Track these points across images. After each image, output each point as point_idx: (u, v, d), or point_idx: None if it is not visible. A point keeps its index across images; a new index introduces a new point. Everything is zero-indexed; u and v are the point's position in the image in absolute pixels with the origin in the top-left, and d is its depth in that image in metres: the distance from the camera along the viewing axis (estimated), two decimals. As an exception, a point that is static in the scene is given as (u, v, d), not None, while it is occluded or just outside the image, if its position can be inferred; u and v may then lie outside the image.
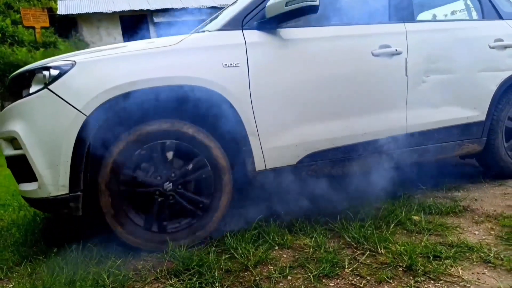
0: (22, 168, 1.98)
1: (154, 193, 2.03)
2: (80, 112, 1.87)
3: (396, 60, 2.52)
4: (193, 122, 2.10)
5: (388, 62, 2.50)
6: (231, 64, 2.14)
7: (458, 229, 2.10)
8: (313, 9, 2.15)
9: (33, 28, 11.46)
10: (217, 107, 2.09)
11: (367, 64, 2.45)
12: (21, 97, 2.00)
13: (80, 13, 13.06)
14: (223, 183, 2.15)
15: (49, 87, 1.89)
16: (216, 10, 13.19)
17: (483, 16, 3.04)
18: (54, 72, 1.92)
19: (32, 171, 1.91)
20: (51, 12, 12.84)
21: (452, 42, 2.74)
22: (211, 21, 2.80)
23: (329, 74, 2.36)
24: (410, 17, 2.67)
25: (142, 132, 2.00)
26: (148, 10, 13.59)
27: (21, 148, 1.93)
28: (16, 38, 11.21)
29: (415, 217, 2.25)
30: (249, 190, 2.28)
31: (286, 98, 2.25)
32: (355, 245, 1.95)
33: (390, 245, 1.90)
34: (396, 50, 2.51)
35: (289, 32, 2.31)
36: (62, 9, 13.05)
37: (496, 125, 2.89)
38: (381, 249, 1.86)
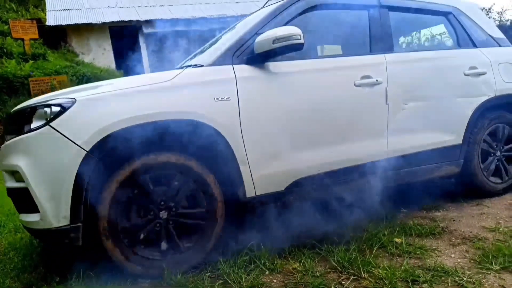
0: (24, 200, 2.08)
1: (150, 221, 2.14)
2: (81, 147, 1.98)
3: (377, 90, 2.68)
4: (188, 154, 2.22)
5: (370, 91, 2.66)
6: (222, 98, 2.27)
7: (436, 251, 2.24)
8: (298, 47, 2.31)
9: (22, 39, 11.43)
10: (210, 139, 2.22)
11: (350, 94, 2.61)
12: (22, 131, 2.10)
13: (69, 24, 13.07)
14: (215, 210, 2.28)
15: (51, 124, 2.00)
16: (205, 20, 13.35)
17: (459, 44, 3.23)
18: (55, 109, 2.03)
19: (33, 202, 2.01)
20: (40, 23, 12.80)
21: (430, 70, 2.91)
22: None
23: (315, 105, 2.51)
24: (389, 48, 2.84)
25: (139, 165, 2.12)
26: (138, 21, 13.67)
27: (23, 181, 2.03)
28: (5, 50, 11.17)
29: (397, 240, 2.40)
30: (240, 216, 2.40)
31: (275, 128, 2.39)
32: (340, 269, 2.08)
33: (372, 269, 2.04)
34: (377, 80, 2.67)
35: (277, 66, 2.46)
36: (51, 20, 13.04)
37: (472, 147, 3.07)
38: (364, 274, 2.00)
